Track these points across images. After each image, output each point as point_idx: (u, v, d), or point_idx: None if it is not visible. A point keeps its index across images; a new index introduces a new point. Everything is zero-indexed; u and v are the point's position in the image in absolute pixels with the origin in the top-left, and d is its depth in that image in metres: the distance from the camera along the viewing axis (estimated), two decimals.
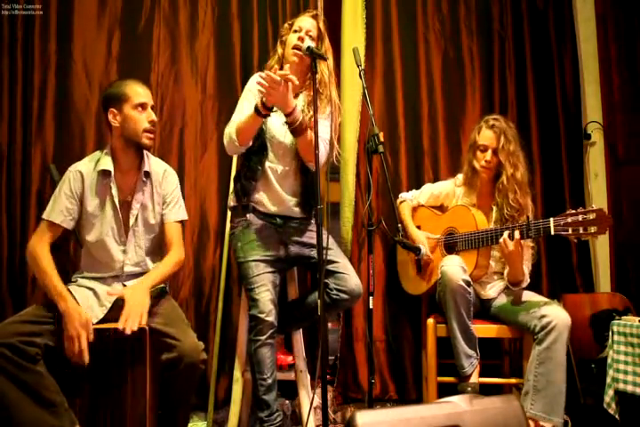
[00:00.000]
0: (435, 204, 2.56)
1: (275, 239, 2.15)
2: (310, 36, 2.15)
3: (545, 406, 2.01)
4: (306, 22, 2.18)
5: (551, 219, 2.02)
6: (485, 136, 2.32)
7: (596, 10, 3.08)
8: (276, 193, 2.15)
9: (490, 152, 2.31)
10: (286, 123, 2.00)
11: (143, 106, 1.94)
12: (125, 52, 2.63)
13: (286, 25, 2.27)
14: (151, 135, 1.96)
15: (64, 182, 1.97)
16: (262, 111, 1.94)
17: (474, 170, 2.37)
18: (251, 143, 2.10)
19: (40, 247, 1.89)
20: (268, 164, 2.15)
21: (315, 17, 2.22)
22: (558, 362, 2.02)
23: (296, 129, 1.98)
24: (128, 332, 1.73)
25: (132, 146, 1.97)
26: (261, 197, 2.15)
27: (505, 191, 2.29)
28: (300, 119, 1.96)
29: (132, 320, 1.75)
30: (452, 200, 2.49)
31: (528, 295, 2.26)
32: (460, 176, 2.49)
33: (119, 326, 1.74)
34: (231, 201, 2.25)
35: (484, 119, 2.38)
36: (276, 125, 2.15)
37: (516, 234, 2.10)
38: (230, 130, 2.08)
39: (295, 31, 2.18)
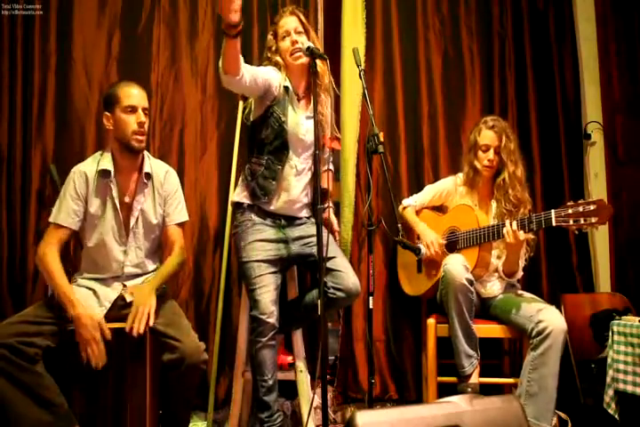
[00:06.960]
0: (437, 203, 2.57)
1: (277, 239, 2.14)
2: (299, 33, 2.15)
3: (535, 411, 2.02)
4: (288, 23, 2.17)
5: (552, 210, 2.04)
6: (486, 136, 2.37)
7: (596, 10, 3.07)
8: (293, 194, 2.16)
9: (492, 151, 2.36)
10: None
11: (133, 108, 1.93)
12: (125, 52, 2.62)
13: (270, 37, 2.23)
14: (140, 137, 1.94)
15: (68, 184, 1.96)
16: (230, 32, 1.84)
17: (475, 170, 2.40)
18: (240, 75, 1.96)
19: (49, 251, 1.88)
20: (288, 162, 2.15)
21: (292, 13, 2.20)
22: (551, 369, 2.03)
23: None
24: (135, 334, 1.73)
25: (125, 148, 1.97)
26: (275, 198, 2.13)
27: (506, 188, 2.35)
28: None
29: (138, 322, 1.75)
30: (453, 199, 2.51)
31: (527, 297, 2.27)
32: (460, 175, 2.51)
33: (126, 327, 1.74)
34: (244, 198, 2.17)
35: (482, 120, 2.43)
36: (297, 122, 2.15)
37: (515, 225, 2.11)
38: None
39: (284, 37, 2.16)
